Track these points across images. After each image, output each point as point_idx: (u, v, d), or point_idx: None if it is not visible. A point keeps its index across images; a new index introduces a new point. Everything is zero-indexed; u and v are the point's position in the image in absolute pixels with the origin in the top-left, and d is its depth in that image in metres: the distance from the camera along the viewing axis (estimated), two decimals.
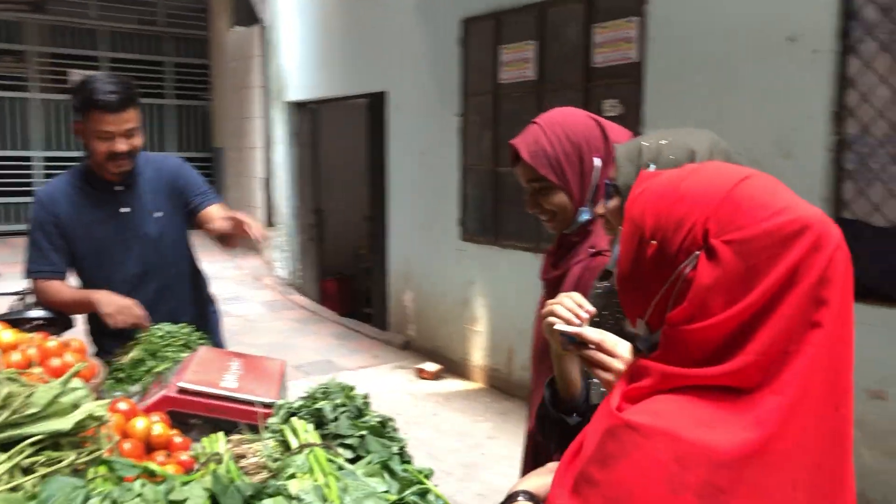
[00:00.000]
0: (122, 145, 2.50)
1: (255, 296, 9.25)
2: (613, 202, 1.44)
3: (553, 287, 1.89)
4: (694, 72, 4.38)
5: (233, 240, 2.58)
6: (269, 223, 10.13)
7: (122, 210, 2.66)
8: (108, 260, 2.64)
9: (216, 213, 2.70)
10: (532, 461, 2.10)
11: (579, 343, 1.32)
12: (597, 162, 1.77)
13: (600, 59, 4.99)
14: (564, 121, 1.80)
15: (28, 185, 11.10)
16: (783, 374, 0.89)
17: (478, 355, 6.30)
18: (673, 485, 0.86)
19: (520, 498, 1.12)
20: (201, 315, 2.88)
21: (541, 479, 1.15)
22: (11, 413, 1.36)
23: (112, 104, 2.45)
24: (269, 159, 9.95)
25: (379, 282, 7.83)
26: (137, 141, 2.56)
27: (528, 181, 1.84)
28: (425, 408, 5.67)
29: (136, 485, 1.32)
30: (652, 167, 1.35)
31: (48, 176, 11.13)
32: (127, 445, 1.75)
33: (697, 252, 0.92)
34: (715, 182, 0.95)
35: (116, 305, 2.50)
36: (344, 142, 9.17)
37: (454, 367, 6.51)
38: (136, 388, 2.32)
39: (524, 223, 5.83)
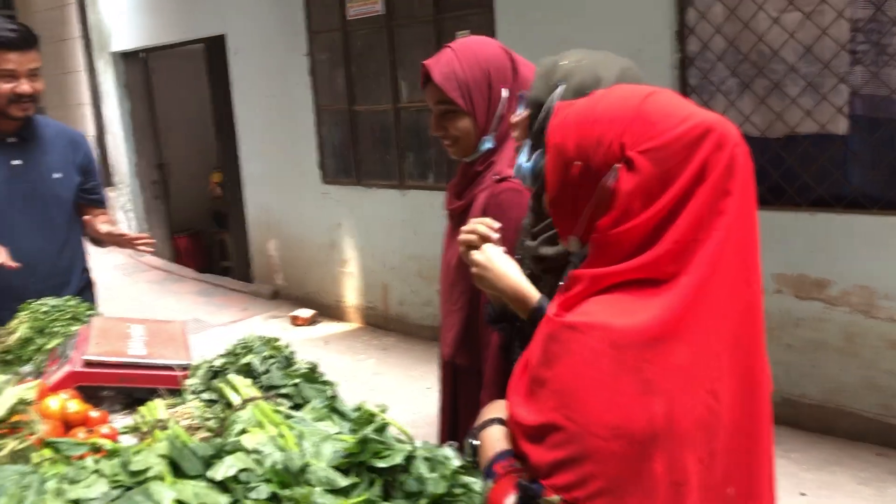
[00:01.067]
0: (26, 86, 2.41)
1: (103, 261, 8.71)
2: (522, 114, 1.51)
3: (459, 217, 1.95)
4: None
5: (108, 245, 2.77)
6: (109, 183, 9.53)
7: (14, 162, 2.52)
8: None
9: (100, 218, 2.73)
10: (451, 385, 2.19)
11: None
12: (504, 93, 1.82)
13: None
14: (478, 48, 1.84)
15: None
16: (694, 258, 1.01)
17: (351, 296, 6.32)
18: (612, 367, 0.97)
19: (494, 424, 1.19)
20: (86, 282, 2.76)
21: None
22: None
23: (16, 41, 2.37)
24: (101, 115, 9.29)
25: (238, 233, 7.62)
26: (40, 85, 2.48)
27: (436, 103, 1.87)
28: (306, 354, 5.59)
29: (89, 461, 1.28)
30: (562, 86, 1.43)
31: None
32: (45, 427, 1.67)
33: (617, 165, 1.02)
34: (625, 101, 1.06)
35: None
36: (183, 91, 8.70)
37: (328, 310, 6.51)
38: (27, 368, 2.19)
39: (385, 162, 5.84)
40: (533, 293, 1.44)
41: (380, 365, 5.35)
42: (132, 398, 2.00)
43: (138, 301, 7.28)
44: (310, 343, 5.91)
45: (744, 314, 1.04)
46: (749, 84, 3.80)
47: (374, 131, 5.89)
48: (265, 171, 6.92)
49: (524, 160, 1.49)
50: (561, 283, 1.12)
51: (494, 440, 1.16)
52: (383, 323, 6.07)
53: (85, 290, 2.75)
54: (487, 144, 1.86)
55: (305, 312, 6.41)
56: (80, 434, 1.74)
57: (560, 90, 1.44)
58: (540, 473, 0.98)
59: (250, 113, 6.91)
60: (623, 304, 1.01)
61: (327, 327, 6.30)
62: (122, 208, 9.32)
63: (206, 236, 9.20)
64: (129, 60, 8.62)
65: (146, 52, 8.35)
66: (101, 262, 8.61)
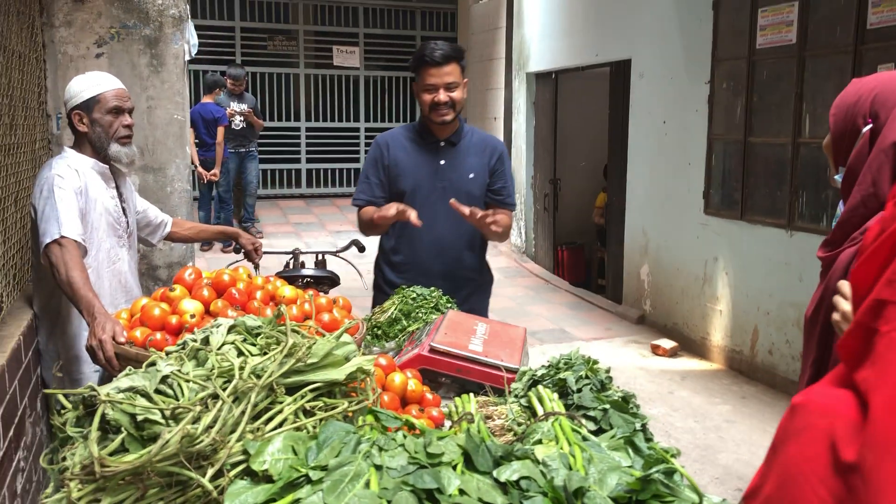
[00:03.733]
0: (442, 96, 2.86)
1: (490, 262, 9.51)
2: None
3: (826, 268, 1.77)
4: None
5: (488, 236, 3.07)
6: None
7: (441, 162, 3.01)
8: (422, 200, 2.96)
9: (497, 214, 3.02)
10: None
11: None
12: (865, 127, 1.61)
13: (876, 18, 4.50)
14: (878, 77, 1.69)
15: (297, 153, 12.18)
16: None
17: (718, 335, 6.03)
18: (832, 463, 0.85)
19: None
20: (481, 279, 3.18)
21: None
22: (296, 361, 1.54)
23: (435, 59, 2.85)
24: (510, 129, 10.12)
25: (615, 253, 7.73)
26: (457, 95, 2.90)
27: None
28: (660, 385, 5.55)
29: (399, 435, 1.44)
30: None
31: (315, 145, 12.16)
32: (385, 397, 1.92)
33: None
34: None
35: (393, 209, 2.75)
36: (583, 111, 9.10)
37: (691, 345, 6.29)
38: (391, 344, 2.52)
39: (775, 198, 5.46)
40: None
41: (734, 413, 5.03)
42: (465, 389, 2.19)
43: (513, 302, 7.80)
44: (666, 375, 5.78)
45: None
46: None
47: (767, 165, 5.53)
48: (648, 195, 6.92)
49: None
50: None
51: None
52: (747, 369, 5.69)
53: (481, 274, 3.18)
54: (837, 177, 1.70)
55: (667, 343, 6.28)
56: (413, 411, 1.97)
57: None
58: None
59: (643, 136, 6.97)
60: None
61: (687, 362, 6.09)
62: (515, 217, 10.05)
63: (588, 252, 9.49)
64: (542, 80, 9.25)
65: (557, 74, 8.88)
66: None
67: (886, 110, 1.62)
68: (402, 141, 3.04)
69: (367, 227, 3.04)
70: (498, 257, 9.76)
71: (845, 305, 1.32)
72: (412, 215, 2.75)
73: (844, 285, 1.35)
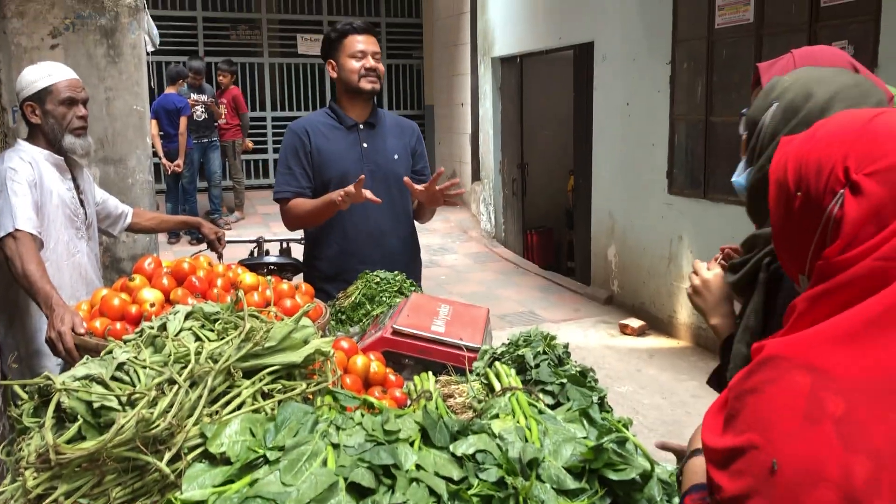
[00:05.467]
0: (371, 61, 2.88)
1: (461, 248, 9.56)
2: (742, 134, 1.51)
3: None
4: None
5: (424, 215, 3.12)
6: (476, 177, 10.37)
7: (363, 145, 2.97)
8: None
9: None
10: None
11: None
12: None
13: None
14: (818, 57, 1.69)
15: (264, 143, 12.07)
16: None
17: (684, 313, 6.12)
18: (810, 415, 0.85)
19: (699, 455, 1.13)
20: (414, 259, 3.11)
21: None
22: (254, 345, 1.55)
23: (361, 27, 2.91)
24: (477, 115, 10.13)
25: (582, 236, 7.80)
26: (381, 66, 2.93)
27: None
28: (628, 363, 5.63)
29: (357, 414, 1.46)
30: (775, 105, 1.38)
31: (282, 135, 12.06)
32: (348, 380, 1.93)
33: (841, 190, 0.93)
34: (849, 122, 0.98)
35: (346, 191, 2.66)
36: (548, 95, 9.13)
37: (659, 324, 6.38)
38: (355, 329, 2.53)
39: None
40: (723, 327, 1.67)
41: (701, 389, 5.11)
42: (429, 370, 2.21)
43: (483, 286, 7.84)
44: (634, 354, 5.86)
45: None
46: None
47: (729, 144, 5.61)
48: (613, 177, 6.99)
49: (736, 175, 1.52)
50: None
51: (693, 472, 1.10)
52: (714, 346, 5.77)
53: (414, 261, 3.12)
54: None
55: (635, 322, 6.36)
56: (376, 392, 1.98)
57: (772, 108, 1.40)
58: None
59: (607, 118, 7.02)
60: (838, 331, 0.90)
61: (655, 341, 6.18)
62: (484, 201, 10.08)
63: (557, 235, 9.56)
64: (507, 65, 9.26)
65: (521, 58, 8.90)
66: (457, 248, 9.44)
67: None
68: (320, 127, 2.97)
69: (302, 219, 2.93)
70: (468, 243, 9.79)
71: (696, 280, 1.52)
72: (369, 193, 2.66)
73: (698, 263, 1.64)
